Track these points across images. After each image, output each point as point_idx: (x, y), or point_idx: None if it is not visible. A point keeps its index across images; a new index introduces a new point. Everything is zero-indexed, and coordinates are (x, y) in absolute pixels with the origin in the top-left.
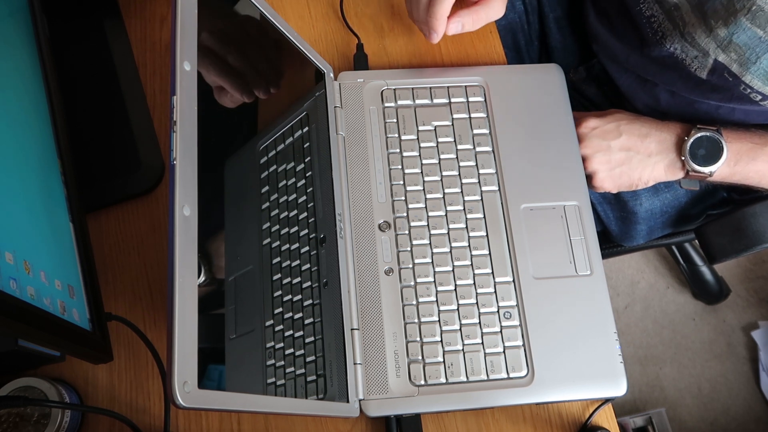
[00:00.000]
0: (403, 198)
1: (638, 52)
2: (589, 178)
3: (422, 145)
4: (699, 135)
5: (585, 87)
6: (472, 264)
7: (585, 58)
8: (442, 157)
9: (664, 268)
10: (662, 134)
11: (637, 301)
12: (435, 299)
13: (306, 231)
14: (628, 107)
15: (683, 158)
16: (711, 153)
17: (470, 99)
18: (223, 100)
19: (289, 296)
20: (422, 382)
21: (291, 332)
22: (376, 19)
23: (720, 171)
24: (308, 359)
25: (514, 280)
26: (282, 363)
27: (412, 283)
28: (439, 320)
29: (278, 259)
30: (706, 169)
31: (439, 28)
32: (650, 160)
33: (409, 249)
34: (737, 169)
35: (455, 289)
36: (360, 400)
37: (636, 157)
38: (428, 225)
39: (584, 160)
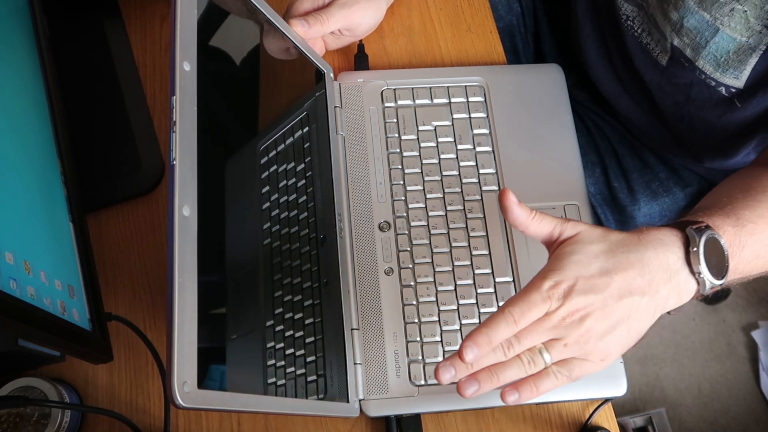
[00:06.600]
0: (403, 198)
1: (612, 29)
2: (586, 361)
3: (422, 145)
4: (705, 237)
5: (576, 93)
6: (472, 264)
7: (576, 63)
8: (442, 157)
9: None
10: (659, 253)
11: None
12: (435, 299)
13: (306, 231)
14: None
15: (699, 275)
16: (718, 257)
17: (470, 99)
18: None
19: (290, 296)
20: (422, 382)
21: (291, 332)
22: None
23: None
24: (308, 359)
25: (514, 280)
26: (282, 363)
27: (412, 283)
28: (439, 320)
29: (278, 259)
30: (722, 280)
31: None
32: (659, 296)
33: (409, 249)
34: (732, 265)
35: (455, 289)
36: (360, 400)
37: (642, 302)
38: (428, 225)
39: (576, 344)
